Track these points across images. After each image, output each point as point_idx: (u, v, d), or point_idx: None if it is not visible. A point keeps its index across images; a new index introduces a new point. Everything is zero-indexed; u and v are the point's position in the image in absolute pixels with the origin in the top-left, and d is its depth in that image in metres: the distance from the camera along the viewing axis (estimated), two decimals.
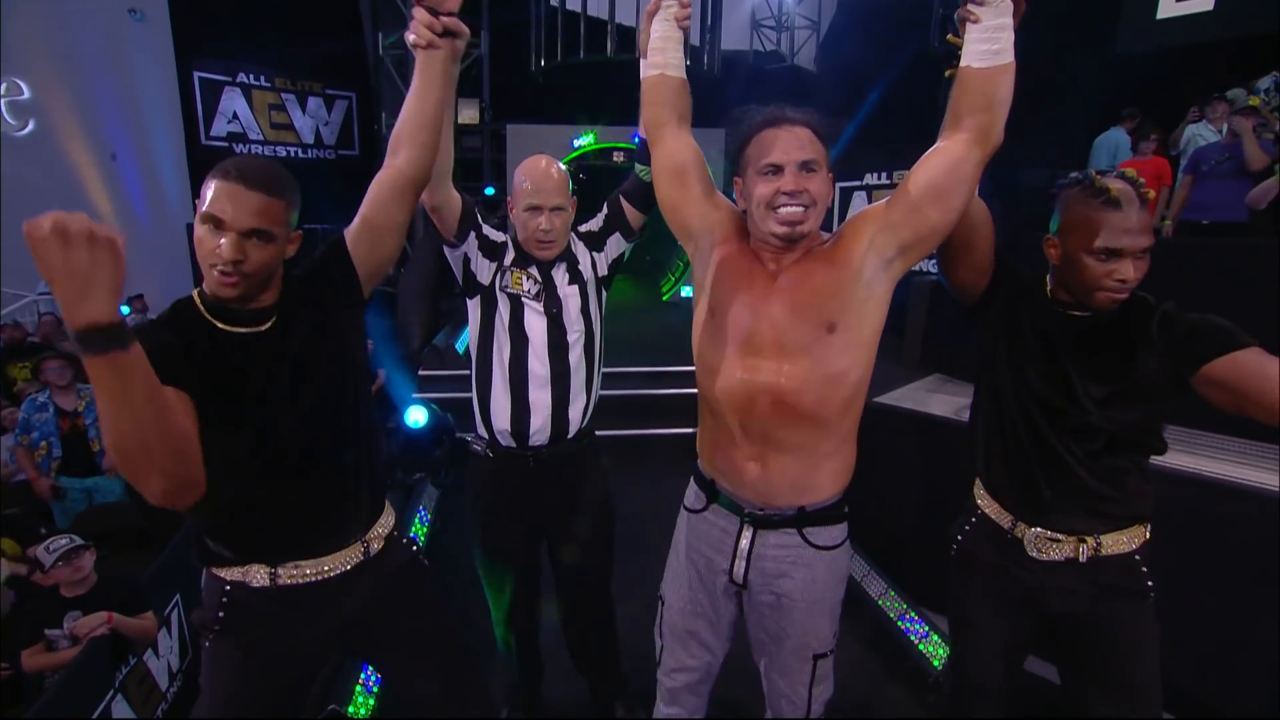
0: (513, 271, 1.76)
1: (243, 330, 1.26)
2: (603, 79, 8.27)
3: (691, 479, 1.57)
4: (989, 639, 1.56)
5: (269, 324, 1.28)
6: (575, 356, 1.80)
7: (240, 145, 9.01)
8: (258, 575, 1.30)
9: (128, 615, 2.60)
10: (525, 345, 1.76)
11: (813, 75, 11.64)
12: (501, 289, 1.76)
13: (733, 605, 1.54)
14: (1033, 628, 1.54)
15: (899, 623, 2.49)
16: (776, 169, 1.30)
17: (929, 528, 3.09)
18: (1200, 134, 4.79)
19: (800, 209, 1.29)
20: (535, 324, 1.77)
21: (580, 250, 1.84)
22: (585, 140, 8.84)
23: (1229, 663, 2.31)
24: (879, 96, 8.94)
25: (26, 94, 7.74)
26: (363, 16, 9.48)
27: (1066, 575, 1.45)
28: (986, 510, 1.54)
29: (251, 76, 8.96)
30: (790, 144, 1.30)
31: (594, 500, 1.94)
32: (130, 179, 8.30)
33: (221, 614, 1.32)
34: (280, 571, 1.31)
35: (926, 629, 2.44)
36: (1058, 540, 1.44)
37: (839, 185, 6.21)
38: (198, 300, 1.26)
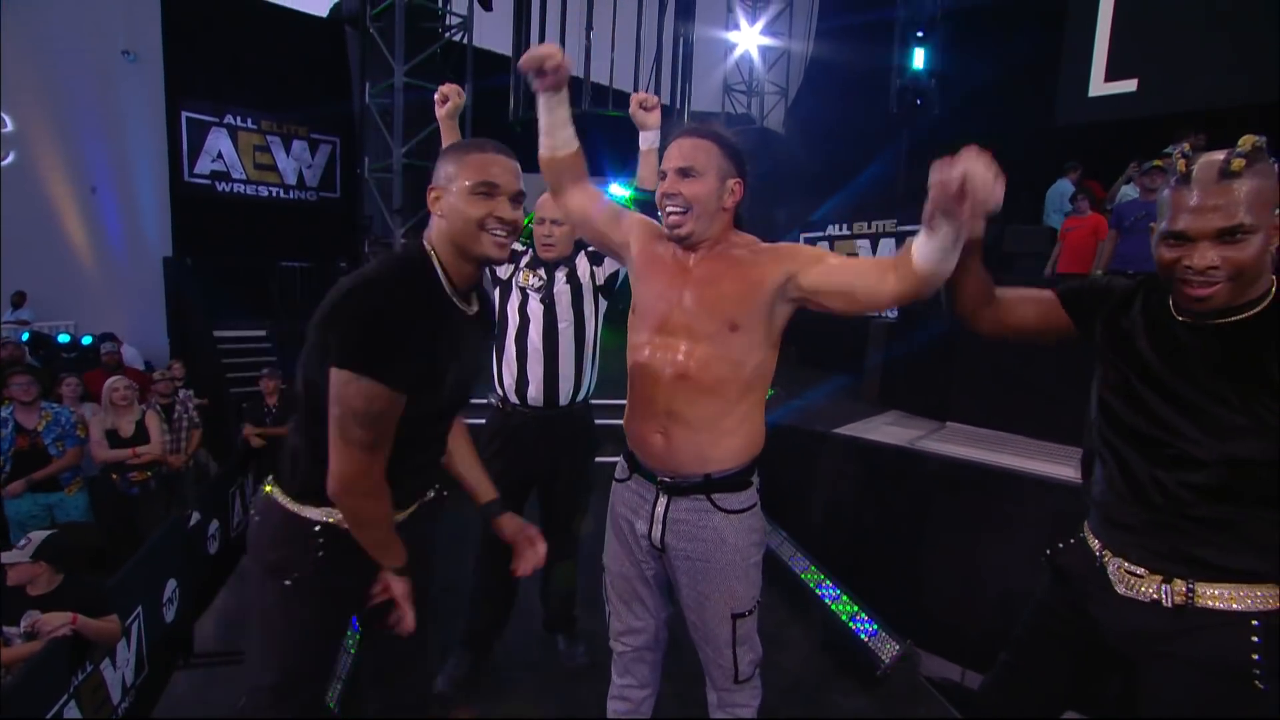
0: (524, 270, 2.29)
1: (464, 309, 1.37)
2: (577, 131, 8.67)
3: (621, 453, 1.71)
4: (1042, 658, 1.39)
5: (477, 307, 1.41)
6: (565, 340, 2.27)
7: (222, 184, 9.16)
8: None
9: (91, 617, 2.59)
10: (527, 324, 2.25)
11: (780, 137, 12.27)
12: (515, 282, 2.29)
13: (656, 563, 1.65)
14: (1095, 670, 1.34)
15: (850, 624, 2.62)
16: (663, 175, 1.47)
17: (876, 540, 3.25)
18: (1128, 193, 5.24)
19: (678, 211, 1.44)
20: (535, 309, 2.26)
21: (583, 261, 2.31)
22: None
23: None
24: (841, 157, 9.48)
25: (10, 126, 7.84)
26: (350, 65, 9.84)
27: (1150, 620, 1.20)
28: (1085, 533, 1.36)
29: (239, 118, 9.19)
30: (673, 153, 1.45)
31: (576, 457, 2.37)
32: (109, 213, 8.35)
33: (320, 553, 1.33)
34: None
35: (875, 627, 2.59)
36: (1139, 576, 1.21)
37: (802, 235, 6.54)
38: (443, 278, 1.32)
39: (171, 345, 7.93)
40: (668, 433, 1.51)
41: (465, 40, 9.55)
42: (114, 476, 4.42)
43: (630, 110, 2.02)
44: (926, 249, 1.24)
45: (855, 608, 2.66)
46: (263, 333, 8.77)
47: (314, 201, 10.04)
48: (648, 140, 2.04)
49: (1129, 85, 7.22)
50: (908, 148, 8.83)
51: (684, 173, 1.44)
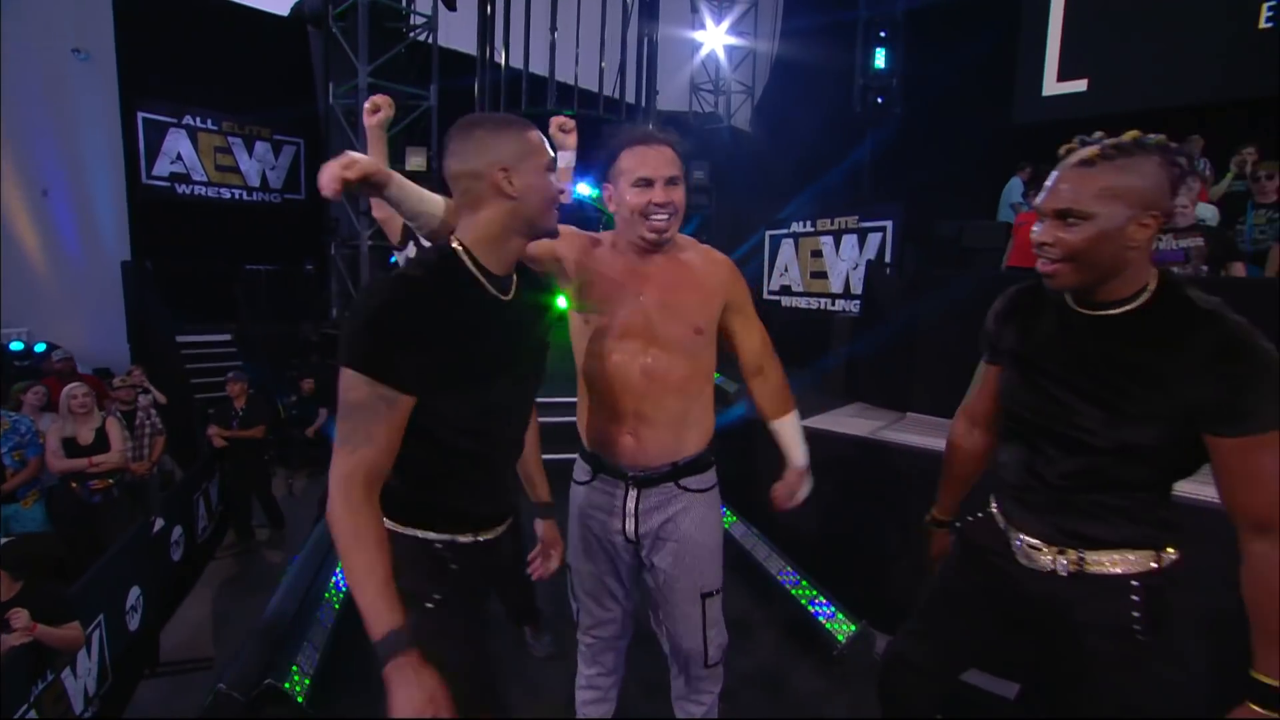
0: None
1: (497, 295, 1.30)
2: (543, 129, 8.69)
3: (578, 457, 1.74)
4: (951, 622, 1.49)
5: (513, 293, 1.34)
6: None
7: (182, 185, 8.98)
8: (466, 531, 1.30)
9: (52, 625, 2.57)
10: None
11: (748, 135, 12.41)
12: None
13: (629, 556, 1.71)
14: (999, 635, 1.44)
15: (809, 607, 2.72)
16: (648, 182, 1.50)
17: (838, 526, 3.35)
18: None
19: (666, 218, 1.51)
20: None
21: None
22: None
23: None
24: (806, 154, 9.62)
25: None
26: (314, 64, 9.72)
27: (1047, 588, 1.30)
28: (992, 508, 1.46)
29: (198, 119, 9.01)
30: (658, 161, 1.51)
31: None
32: (63, 217, 8.13)
33: (454, 566, 1.28)
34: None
35: (833, 610, 2.71)
36: (1038, 549, 1.31)
37: (768, 232, 6.65)
38: (472, 266, 1.23)
39: (132, 351, 7.77)
40: (637, 433, 1.58)
41: (430, 40, 9.49)
42: (74, 485, 4.35)
43: (550, 130, 2.07)
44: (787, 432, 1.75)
45: (814, 591, 2.76)
46: (227, 337, 8.63)
47: (278, 203, 9.90)
48: (564, 159, 2.12)
49: (1080, 85, 7.48)
50: (871, 146, 9.00)
51: (673, 181, 1.52)
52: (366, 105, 1.99)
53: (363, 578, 1.06)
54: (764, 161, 10.76)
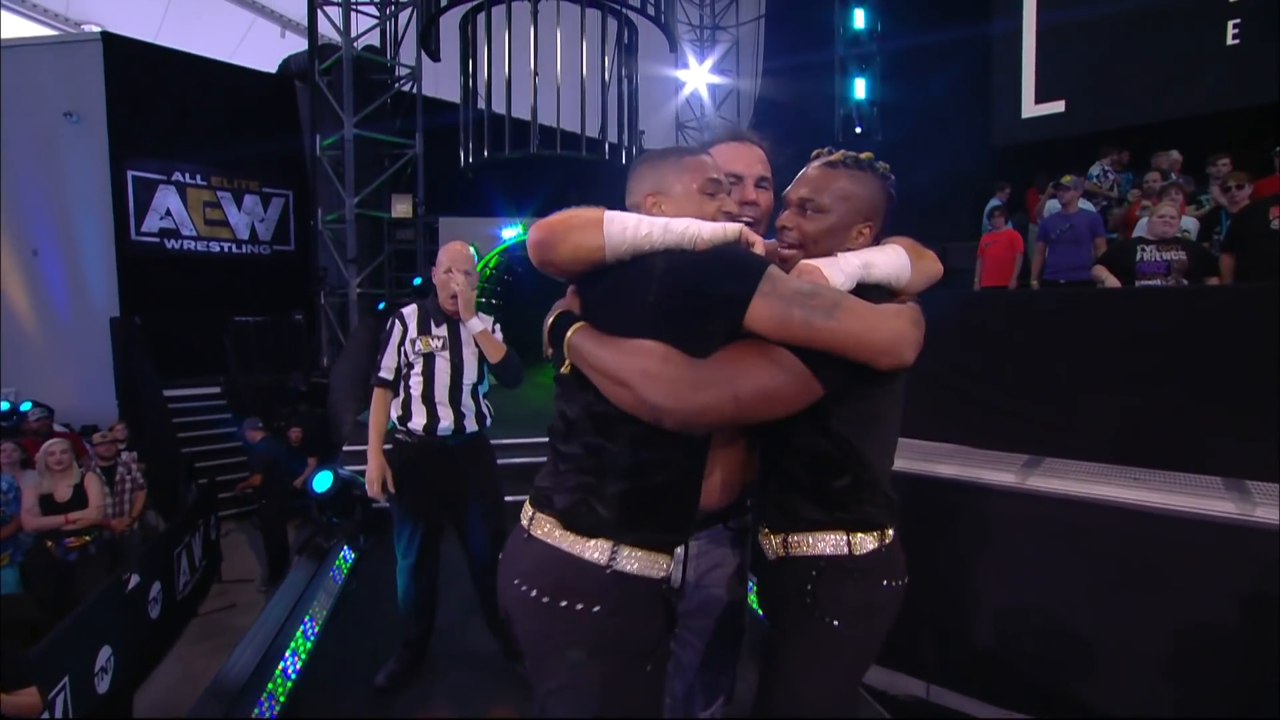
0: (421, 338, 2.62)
1: None
2: (527, 172, 8.85)
3: None
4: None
5: None
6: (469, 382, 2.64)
7: (171, 241, 9.11)
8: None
9: (6, 691, 2.50)
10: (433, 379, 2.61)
11: None
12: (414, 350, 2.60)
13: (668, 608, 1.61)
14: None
15: None
16: (738, 178, 1.43)
17: None
18: (1052, 207, 5.49)
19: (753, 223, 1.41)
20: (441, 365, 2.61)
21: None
22: (514, 231, 9.30)
23: None
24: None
25: None
26: (301, 117, 9.95)
27: (771, 575, 1.37)
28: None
29: (187, 175, 9.19)
30: (748, 159, 1.46)
31: (483, 476, 2.67)
32: (53, 276, 8.24)
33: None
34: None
35: None
36: (766, 535, 1.36)
37: None
38: None
39: (120, 407, 7.75)
40: (711, 473, 1.42)
41: (414, 89, 9.73)
42: (49, 544, 4.29)
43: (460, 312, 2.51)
44: None
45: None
46: (216, 390, 8.64)
47: (268, 255, 10.01)
48: (473, 328, 2.54)
49: (1058, 106, 7.61)
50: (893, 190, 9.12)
51: (760, 182, 1.47)
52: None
53: None
54: None
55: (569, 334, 1.18)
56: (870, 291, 1.23)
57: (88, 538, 4.43)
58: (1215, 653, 2.73)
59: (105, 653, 3.50)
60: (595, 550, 1.14)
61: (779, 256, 1.32)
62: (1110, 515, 2.99)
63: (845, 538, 1.27)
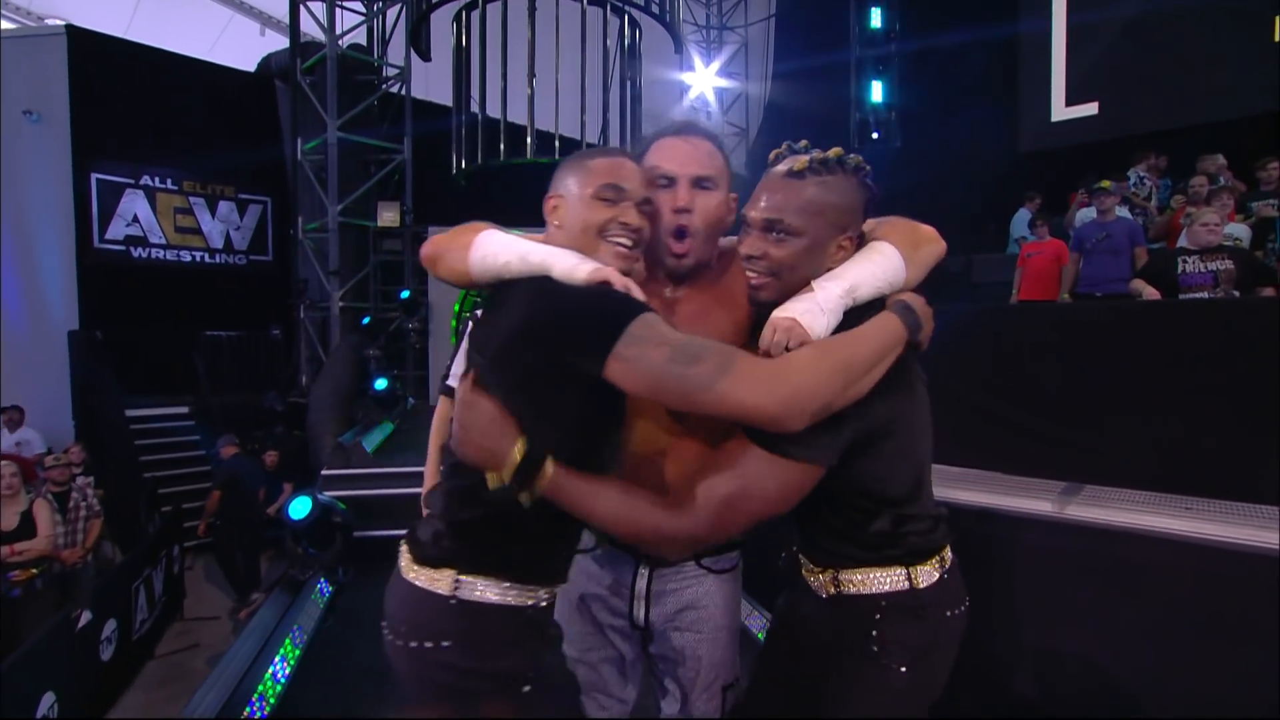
0: None
1: None
2: (523, 181, 8.86)
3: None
4: (768, 659, 1.50)
5: None
6: None
7: (138, 249, 9.10)
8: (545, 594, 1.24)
9: None
10: None
11: (743, 178, 12.60)
12: None
13: (635, 646, 1.53)
14: (788, 664, 1.42)
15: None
16: (670, 181, 1.29)
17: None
18: (1087, 215, 5.45)
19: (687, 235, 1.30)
20: None
21: None
22: None
23: None
24: None
25: None
26: (281, 119, 9.99)
27: (820, 612, 1.31)
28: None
29: (157, 179, 9.20)
30: (688, 156, 1.31)
31: None
32: (8, 285, 8.16)
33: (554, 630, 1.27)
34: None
35: None
36: (811, 570, 1.33)
37: None
38: None
39: (77, 427, 7.69)
40: None
41: (403, 92, 9.79)
42: None
43: None
44: None
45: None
46: (184, 410, 8.58)
47: (243, 265, 10.00)
48: None
49: (1090, 109, 7.63)
50: (871, 181, 9.13)
51: (701, 183, 1.31)
52: None
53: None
54: None
55: (545, 473, 1.10)
56: (862, 309, 1.17)
57: (35, 571, 4.34)
58: None
59: (48, 699, 3.40)
60: (442, 583, 1.15)
61: (749, 283, 1.24)
62: (1162, 549, 2.89)
63: (904, 571, 1.23)
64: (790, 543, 1.46)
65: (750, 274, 1.22)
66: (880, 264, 1.20)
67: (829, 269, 1.20)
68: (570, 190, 1.22)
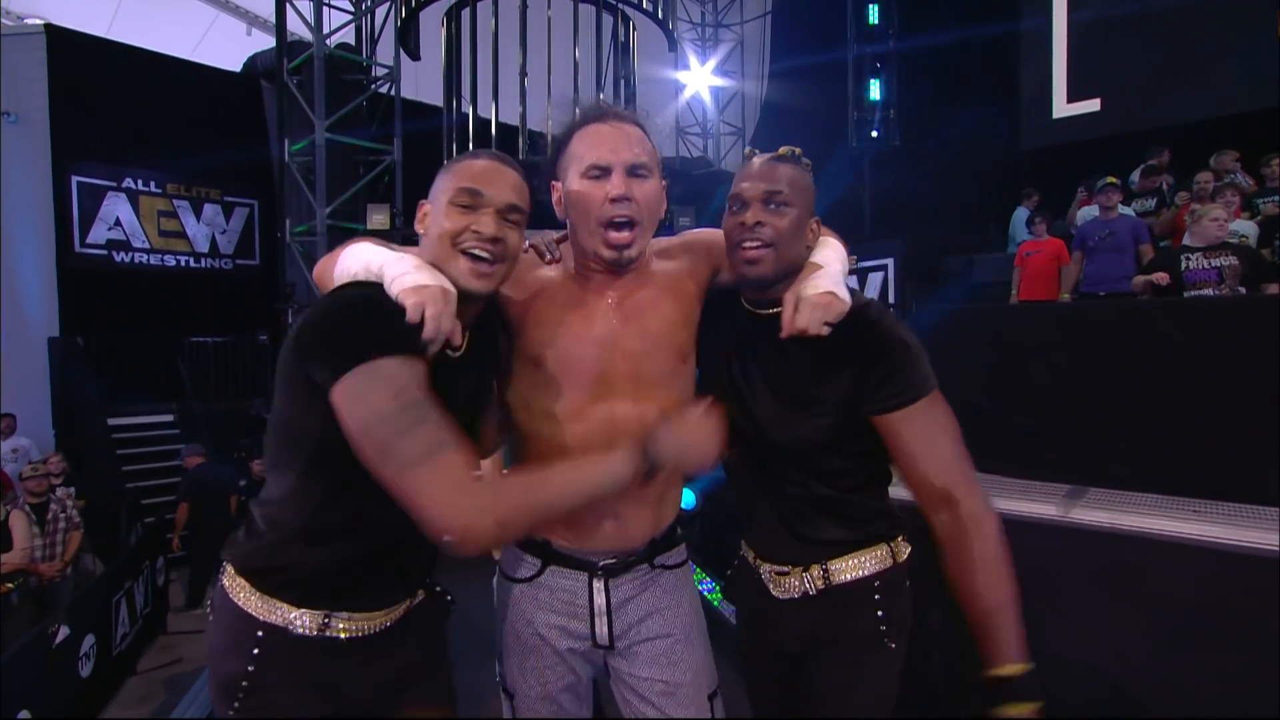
0: None
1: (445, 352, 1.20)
2: None
3: (505, 548, 1.46)
4: (751, 682, 1.54)
5: (464, 348, 1.24)
6: None
7: (120, 253, 9.06)
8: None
9: None
10: None
11: None
12: None
13: (591, 667, 1.46)
14: (784, 679, 1.45)
15: None
16: (604, 171, 1.24)
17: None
18: (1088, 213, 5.45)
19: (626, 223, 1.24)
20: None
21: None
22: None
23: None
24: None
25: None
26: (268, 120, 9.97)
27: (807, 613, 1.36)
28: (744, 550, 1.50)
29: (140, 181, 9.17)
30: (619, 142, 1.25)
31: None
32: None
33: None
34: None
35: None
36: (785, 573, 1.37)
37: None
38: None
39: (57, 436, 7.64)
40: (618, 511, 1.32)
41: (392, 92, 9.77)
42: None
43: None
44: None
45: None
46: (169, 418, 8.52)
47: (229, 270, 9.97)
48: None
49: (1093, 105, 7.63)
50: (868, 182, 9.14)
51: (636, 171, 1.25)
52: None
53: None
54: None
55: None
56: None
57: (10, 585, 4.29)
58: None
59: (23, 718, 3.34)
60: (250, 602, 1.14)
61: (744, 258, 1.28)
62: (1172, 553, 2.86)
63: (888, 548, 1.35)
64: (735, 556, 1.53)
65: (749, 246, 1.27)
66: (838, 249, 1.35)
67: (808, 246, 1.33)
68: (435, 194, 1.17)
